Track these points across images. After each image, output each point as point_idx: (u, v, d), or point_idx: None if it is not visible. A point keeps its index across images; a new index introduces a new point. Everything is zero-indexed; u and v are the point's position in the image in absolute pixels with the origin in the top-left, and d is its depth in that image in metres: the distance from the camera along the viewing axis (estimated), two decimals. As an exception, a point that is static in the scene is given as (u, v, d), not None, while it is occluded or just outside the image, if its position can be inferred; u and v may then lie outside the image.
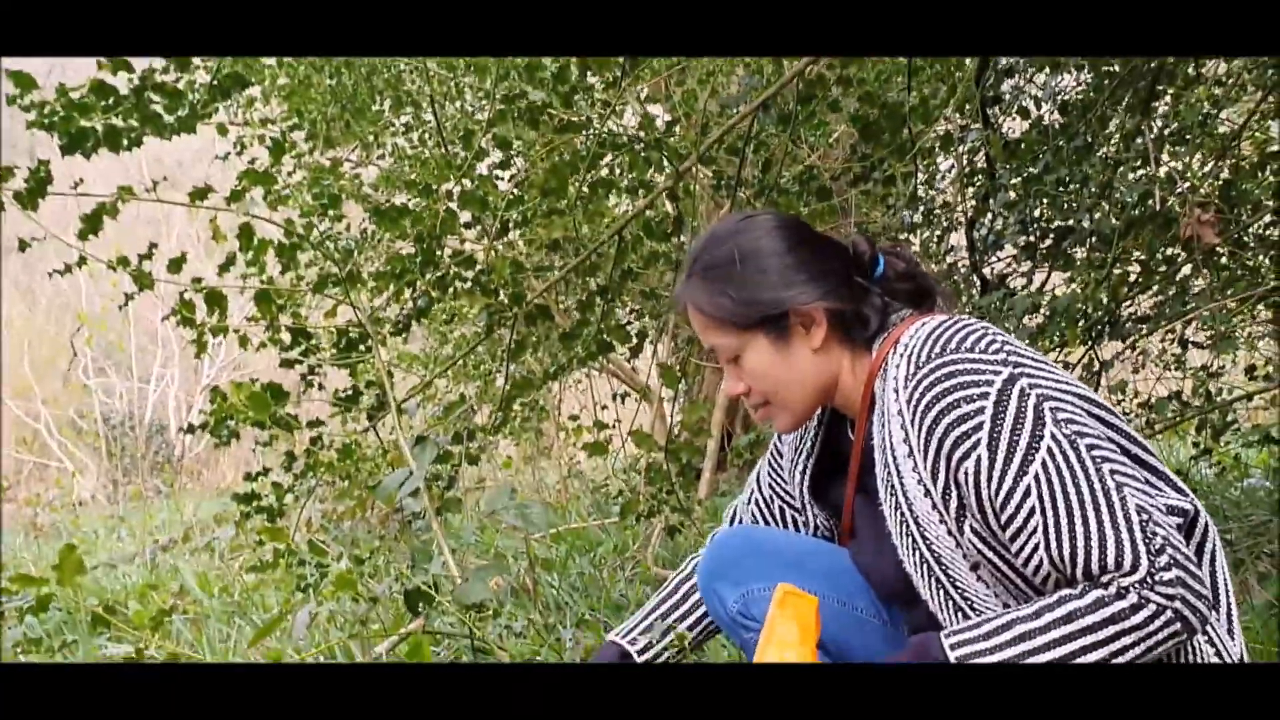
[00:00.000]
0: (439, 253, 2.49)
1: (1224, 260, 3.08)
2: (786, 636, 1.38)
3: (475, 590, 1.91)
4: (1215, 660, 1.35)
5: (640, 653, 1.77)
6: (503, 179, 3.05)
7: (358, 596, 1.90)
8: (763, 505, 1.81)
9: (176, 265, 2.42)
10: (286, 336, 2.46)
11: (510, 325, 2.39)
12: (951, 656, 1.32)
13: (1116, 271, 2.60)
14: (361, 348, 2.56)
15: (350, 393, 2.59)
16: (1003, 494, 1.32)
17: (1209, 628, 1.36)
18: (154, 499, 11.49)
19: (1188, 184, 2.14)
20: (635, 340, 2.80)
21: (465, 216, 2.75)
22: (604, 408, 4.11)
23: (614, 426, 3.71)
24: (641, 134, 2.60)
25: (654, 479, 2.94)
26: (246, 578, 4.16)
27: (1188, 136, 3.03)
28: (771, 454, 1.81)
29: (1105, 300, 2.46)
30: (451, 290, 2.44)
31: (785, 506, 1.78)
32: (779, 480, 1.79)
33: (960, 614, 1.42)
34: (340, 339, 2.52)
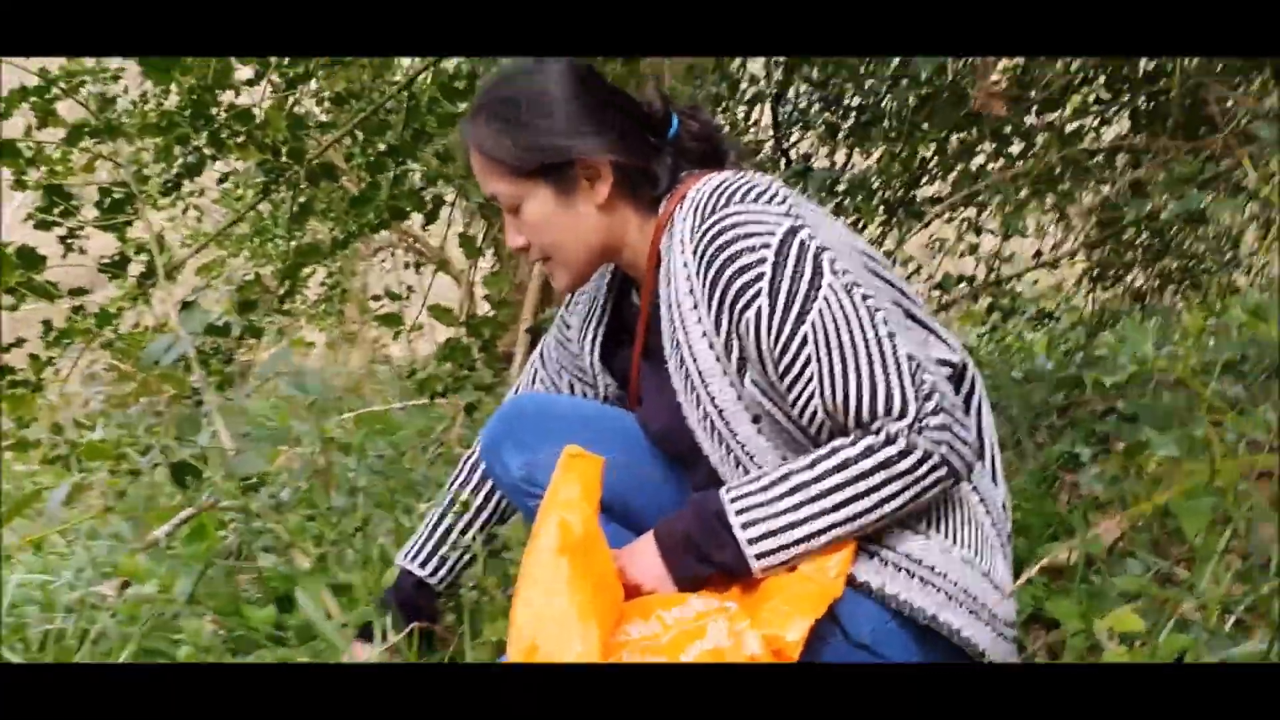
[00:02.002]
0: (214, 108, 2.29)
1: (1013, 150, 3.18)
2: (568, 497, 1.35)
3: (249, 462, 1.80)
4: (980, 506, 1.39)
5: (431, 573, 1.71)
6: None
7: (115, 469, 1.76)
8: (549, 382, 1.76)
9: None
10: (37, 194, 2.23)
11: (291, 185, 2.23)
12: (731, 510, 1.32)
13: (907, 151, 2.63)
14: (129, 210, 2.35)
15: (117, 258, 2.38)
16: (781, 342, 1.31)
17: (975, 476, 1.40)
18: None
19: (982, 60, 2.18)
20: (430, 207, 2.67)
21: (246, 72, 2.54)
22: (409, 287, 3.96)
23: (408, 297, 3.58)
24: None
25: (453, 355, 2.85)
26: (17, 468, 3.87)
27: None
28: (559, 327, 1.77)
29: (900, 173, 2.49)
30: (225, 146, 2.26)
31: (575, 380, 1.74)
32: (567, 353, 1.74)
33: (741, 469, 1.41)
34: (104, 199, 2.30)
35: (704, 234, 1.35)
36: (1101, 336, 3.45)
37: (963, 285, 3.36)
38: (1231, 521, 1.72)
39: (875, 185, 2.62)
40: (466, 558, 1.72)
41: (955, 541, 1.35)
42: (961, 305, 3.80)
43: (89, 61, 2.41)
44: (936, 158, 2.97)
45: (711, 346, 1.38)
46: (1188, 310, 3.48)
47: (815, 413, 1.32)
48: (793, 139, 3.17)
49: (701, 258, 1.35)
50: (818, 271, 1.31)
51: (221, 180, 3.34)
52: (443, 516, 1.73)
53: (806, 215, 1.36)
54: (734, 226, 1.33)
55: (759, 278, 1.31)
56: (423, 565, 1.71)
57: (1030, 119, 3.03)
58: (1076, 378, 3.03)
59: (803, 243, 1.32)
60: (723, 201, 1.36)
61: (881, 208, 2.88)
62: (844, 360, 1.28)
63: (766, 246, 1.31)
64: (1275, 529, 1.77)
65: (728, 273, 1.33)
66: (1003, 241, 3.60)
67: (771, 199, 1.36)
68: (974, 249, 3.79)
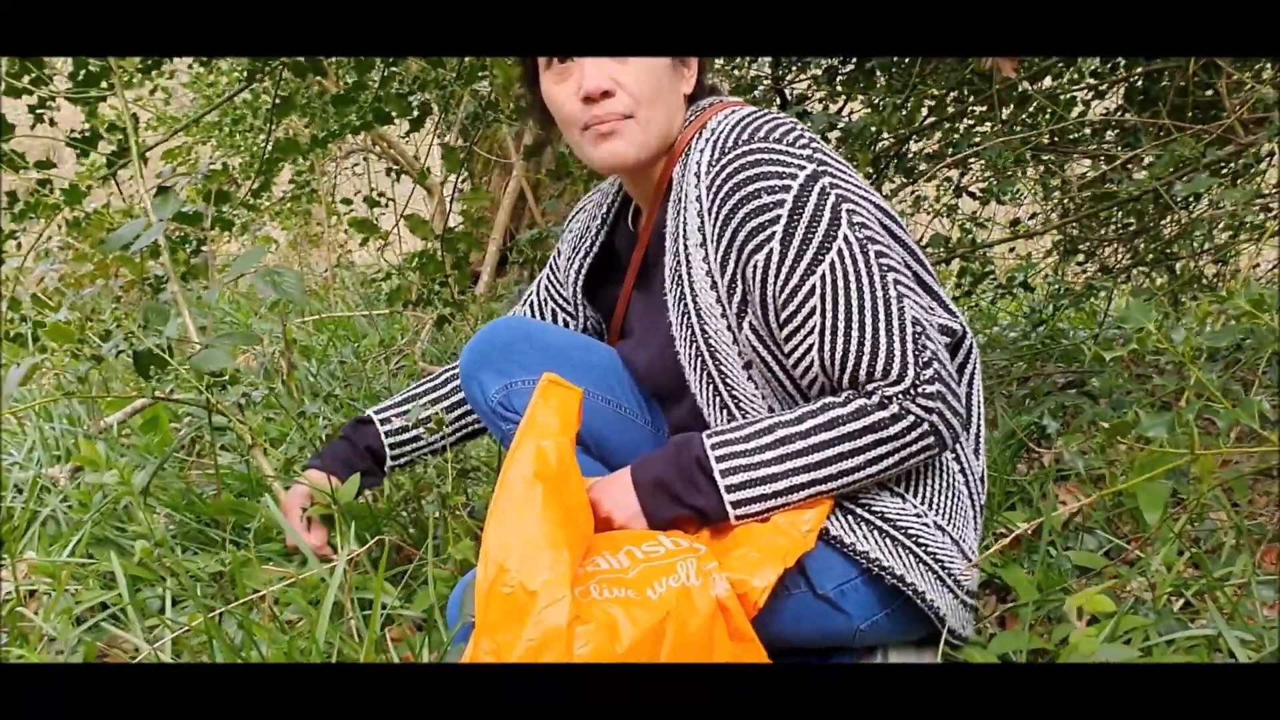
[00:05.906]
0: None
1: (1009, 111, 3.15)
2: (546, 425, 1.33)
3: (215, 357, 1.75)
4: (960, 476, 1.39)
5: (390, 434, 1.72)
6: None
7: (78, 353, 1.70)
8: (536, 308, 1.75)
9: None
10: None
11: (274, 77, 2.14)
12: (712, 455, 1.30)
13: (913, 103, 2.60)
14: (104, 84, 2.25)
15: (88, 134, 2.28)
16: (788, 290, 1.29)
17: (959, 445, 1.39)
18: None
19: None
20: (416, 114, 2.59)
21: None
22: (381, 194, 3.86)
23: (387, 206, 3.49)
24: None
25: (426, 267, 2.79)
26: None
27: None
28: (554, 257, 1.75)
29: (899, 125, 2.45)
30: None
31: (558, 309, 1.72)
32: (555, 282, 1.73)
33: (726, 413, 1.40)
34: (79, 70, 2.20)
35: (722, 169, 1.31)
36: (1063, 310, 3.47)
37: (939, 248, 3.35)
38: (1186, 505, 1.74)
39: (872, 132, 2.57)
40: (423, 452, 1.75)
41: (931, 507, 1.35)
42: (939, 267, 3.79)
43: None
44: (932, 115, 2.92)
45: (714, 286, 1.35)
46: (1156, 289, 3.51)
47: (810, 366, 1.30)
48: (789, 78, 3.12)
49: (716, 193, 1.32)
50: (835, 222, 1.28)
51: (203, 63, 3.20)
52: (420, 399, 1.73)
53: (830, 161, 1.33)
54: (755, 165, 1.29)
55: (774, 220, 1.28)
56: (388, 430, 1.73)
57: (1024, 85, 3.00)
58: (1060, 348, 3.04)
59: (823, 190, 1.29)
60: (746, 136, 1.32)
61: (871, 159, 2.85)
62: (849, 317, 1.26)
63: (786, 190, 1.28)
64: (1226, 516, 1.79)
65: (742, 212, 1.29)
66: (984, 206, 3.58)
67: (796, 140, 1.32)
68: (952, 210, 3.78)
